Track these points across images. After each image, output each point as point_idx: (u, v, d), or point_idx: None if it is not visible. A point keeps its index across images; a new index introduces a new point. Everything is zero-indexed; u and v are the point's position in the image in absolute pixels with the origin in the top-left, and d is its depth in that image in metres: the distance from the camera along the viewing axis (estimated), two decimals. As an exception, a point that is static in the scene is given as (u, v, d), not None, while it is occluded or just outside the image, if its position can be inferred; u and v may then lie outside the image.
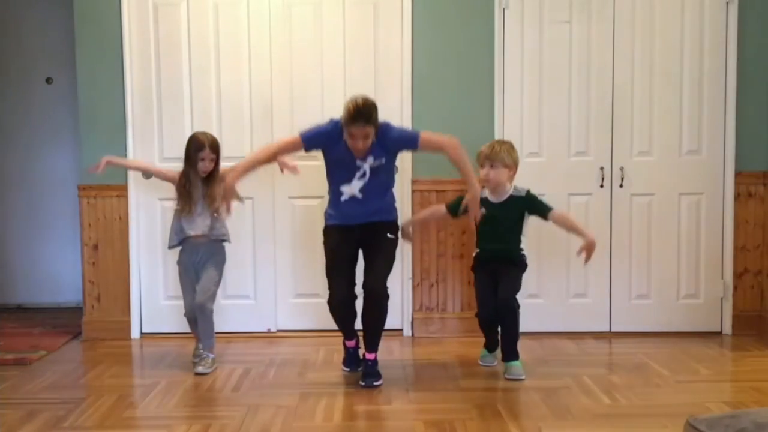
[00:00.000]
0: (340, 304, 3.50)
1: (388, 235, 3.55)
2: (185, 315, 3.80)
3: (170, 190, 4.04)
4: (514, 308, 3.60)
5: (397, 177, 3.71)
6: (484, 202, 3.62)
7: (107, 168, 3.87)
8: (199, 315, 3.71)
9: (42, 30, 5.25)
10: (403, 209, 4.02)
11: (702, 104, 4.32)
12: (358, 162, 3.42)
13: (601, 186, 4.33)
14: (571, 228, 3.70)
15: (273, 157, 3.55)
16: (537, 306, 4.30)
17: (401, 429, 2.95)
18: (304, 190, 4.32)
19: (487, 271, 3.73)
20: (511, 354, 3.62)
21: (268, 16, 4.32)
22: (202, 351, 3.75)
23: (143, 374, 3.76)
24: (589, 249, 3.56)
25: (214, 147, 3.71)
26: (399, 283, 4.27)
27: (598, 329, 4.39)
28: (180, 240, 3.76)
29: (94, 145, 4.33)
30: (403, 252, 4.17)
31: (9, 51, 5.29)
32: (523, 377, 3.55)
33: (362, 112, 3.27)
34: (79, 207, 4.39)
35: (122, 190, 4.33)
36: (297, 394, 3.33)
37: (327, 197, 3.63)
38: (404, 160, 4.29)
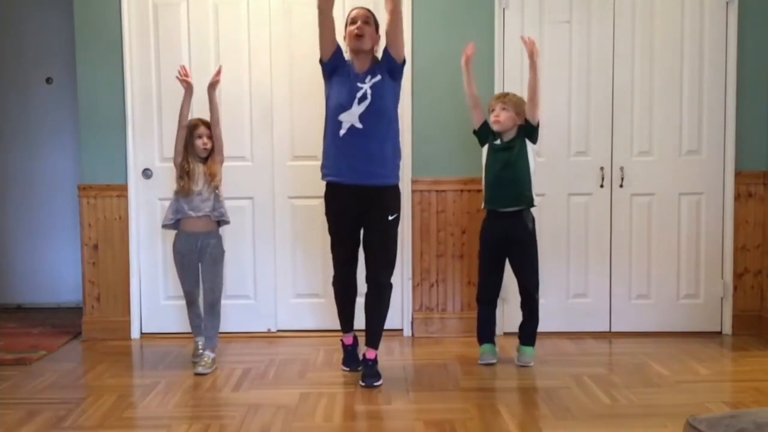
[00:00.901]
0: (344, 286, 3.62)
1: (389, 218, 3.49)
2: (185, 296, 3.83)
3: (170, 190, 4.05)
4: (537, 300, 3.78)
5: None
6: (497, 136, 3.76)
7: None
8: (208, 313, 3.74)
9: (42, 30, 5.25)
10: (404, 209, 4.01)
11: (702, 104, 4.32)
12: (359, 84, 3.41)
13: (601, 186, 4.33)
14: (530, 83, 3.69)
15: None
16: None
17: (401, 429, 2.95)
18: (304, 190, 4.32)
19: (494, 248, 3.78)
20: (529, 338, 3.79)
21: (268, 16, 4.32)
22: (202, 351, 3.76)
23: (143, 374, 3.76)
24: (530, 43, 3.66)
25: (207, 123, 3.81)
26: (399, 283, 4.26)
27: (598, 329, 4.39)
28: (176, 220, 3.76)
29: (94, 145, 4.33)
30: (403, 252, 4.17)
31: (9, 51, 5.29)
32: (531, 364, 3.71)
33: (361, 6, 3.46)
34: (79, 207, 4.39)
35: (122, 190, 4.33)
36: (297, 394, 3.33)
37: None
38: (404, 158, 4.29)
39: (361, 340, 3.65)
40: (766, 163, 4.33)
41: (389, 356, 3.91)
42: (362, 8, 3.55)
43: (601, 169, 4.33)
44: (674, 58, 4.30)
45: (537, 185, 4.05)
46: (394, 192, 3.55)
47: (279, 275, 4.42)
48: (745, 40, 4.27)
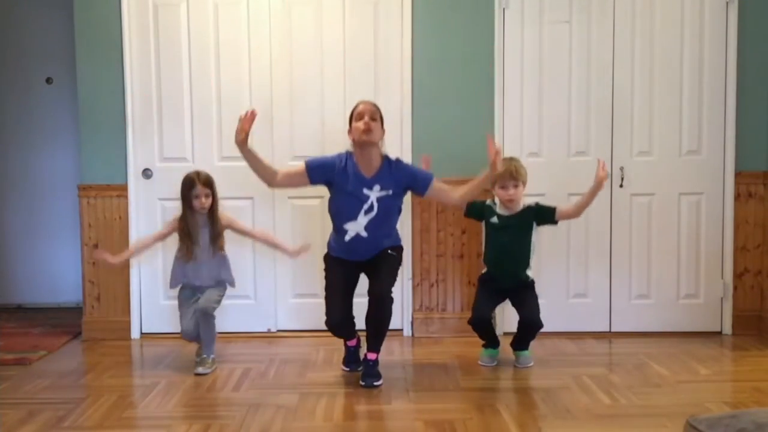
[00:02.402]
0: (338, 325, 3.53)
1: (389, 252, 3.56)
2: (182, 335, 3.80)
3: (170, 190, 4.05)
4: (538, 327, 3.71)
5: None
6: (495, 212, 3.75)
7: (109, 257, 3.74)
8: (202, 322, 3.71)
9: (42, 30, 5.25)
10: (404, 209, 4.00)
11: (702, 104, 4.32)
12: (366, 191, 3.41)
13: (601, 186, 4.33)
14: (583, 203, 3.70)
15: (274, 176, 3.49)
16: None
17: (401, 429, 2.95)
18: (304, 190, 4.29)
19: (494, 287, 3.78)
20: (523, 345, 3.79)
21: (268, 16, 4.32)
22: (203, 353, 3.76)
23: (143, 374, 3.76)
24: (601, 176, 3.61)
25: (207, 182, 3.69)
26: (399, 283, 4.24)
27: (598, 329, 4.39)
28: (182, 284, 3.77)
29: (94, 145, 4.33)
30: (404, 252, 4.16)
31: (9, 51, 5.29)
32: (531, 364, 3.74)
33: (368, 101, 3.45)
34: (79, 207, 4.39)
35: (122, 190, 4.33)
36: (297, 394, 3.33)
37: (326, 199, 3.63)
38: (404, 158, 4.29)
39: (362, 341, 3.65)
40: (766, 163, 4.33)
41: (389, 356, 3.91)
42: (368, 103, 3.48)
43: (601, 169, 4.33)
44: (674, 58, 4.30)
45: (537, 185, 4.06)
46: (396, 246, 3.63)
47: (279, 275, 4.42)
48: (745, 40, 4.27)
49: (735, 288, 4.37)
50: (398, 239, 3.67)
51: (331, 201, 3.56)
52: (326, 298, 3.53)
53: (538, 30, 4.28)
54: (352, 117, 3.48)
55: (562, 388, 3.39)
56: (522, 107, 4.31)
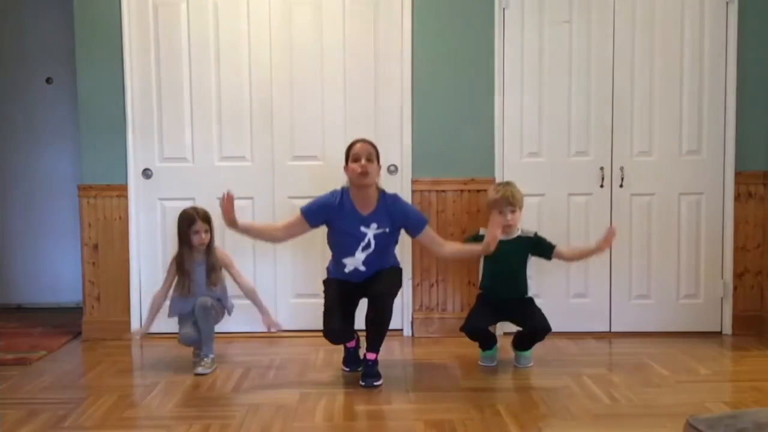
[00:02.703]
0: (336, 336, 3.52)
1: (388, 268, 3.58)
2: (181, 339, 3.80)
3: (170, 190, 4.06)
4: (548, 331, 3.70)
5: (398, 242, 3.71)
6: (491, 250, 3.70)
7: None
8: (201, 316, 3.71)
9: (42, 30, 5.25)
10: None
11: (702, 104, 4.32)
12: (363, 228, 3.43)
13: (601, 186, 4.33)
14: (581, 253, 3.77)
15: (275, 234, 3.57)
16: (538, 306, 4.30)
17: (401, 429, 2.95)
18: (304, 190, 4.31)
19: (493, 304, 3.78)
20: (525, 346, 3.77)
21: (268, 16, 4.32)
22: (202, 351, 3.75)
23: (143, 374, 3.76)
24: (609, 237, 3.65)
25: (206, 218, 3.71)
26: (399, 283, 4.26)
27: (598, 329, 4.39)
28: (180, 313, 3.79)
29: (94, 145, 4.33)
30: (403, 252, 4.17)
31: (9, 51, 5.29)
32: (531, 365, 3.75)
33: (365, 140, 3.46)
34: (79, 207, 4.39)
35: (122, 190, 4.33)
36: (297, 394, 3.33)
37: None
38: (404, 160, 4.30)
39: (362, 341, 3.65)
40: (766, 163, 4.33)
41: (389, 356, 3.91)
42: (365, 144, 3.47)
43: (601, 169, 4.33)
44: (674, 58, 4.30)
45: (537, 185, 4.07)
46: (395, 265, 3.66)
47: (279, 275, 4.42)
48: (745, 40, 4.27)
49: (735, 288, 4.37)
50: (397, 263, 3.69)
51: (328, 235, 3.59)
52: (324, 312, 3.51)
53: (538, 30, 4.28)
54: (349, 155, 3.46)
55: (562, 388, 3.39)
56: (522, 107, 4.31)
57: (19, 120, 5.32)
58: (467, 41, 4.29)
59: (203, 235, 3.68)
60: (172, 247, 3.86)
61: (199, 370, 3.65)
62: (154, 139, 4.36)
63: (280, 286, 4.43)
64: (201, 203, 4.23)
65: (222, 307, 3.83)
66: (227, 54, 4.32)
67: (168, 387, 3.46)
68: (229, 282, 3.87)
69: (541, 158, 4.33)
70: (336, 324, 3.47)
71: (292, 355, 4.00)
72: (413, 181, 4.31)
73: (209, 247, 3.73)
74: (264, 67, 4.33)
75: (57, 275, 5.34)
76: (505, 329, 4.28)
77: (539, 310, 3.74)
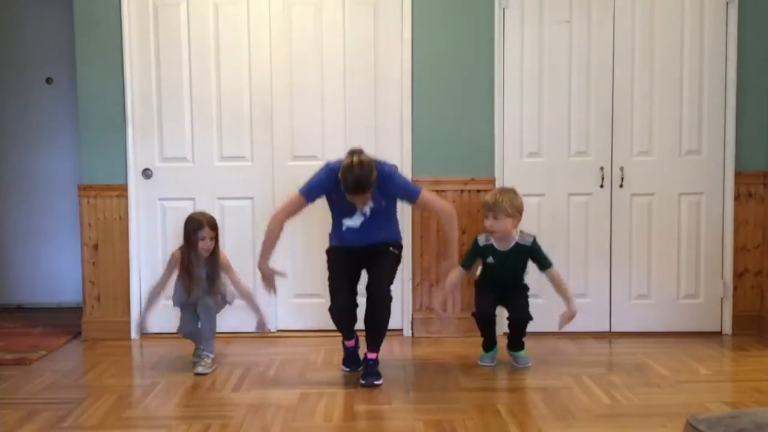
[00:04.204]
0: (341, 312, 3.54)
1: (391, 249, 3.60)
2: (179, 332, 3.80)
3: (170, 190, 4.05)
4: (528, 321, 3.75)
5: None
6: (490, 249, 3.72)
7: None
8: (203, 315, 3.71)
9: (42, 30, 5.25)
10: (404, 210, 4.01)
11: (702, 104, 4.32)
12: (359, 206, 3.49)
13: (601, 186, 4.33)
14: (561, 291, 3.76)
15: (283, 224, 3.55)
16: (537, 306, 4.26)
17: (401, 429, 2.95)
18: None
19: (493, 289, 3.80)
20: (518, 345, 3.79)
21: (268, 16, 4.31)
22: (202, 351, 3.76)
23: (143, 374, 3.76)
24: (569, 318, 3.68)
25: (213, 224, 3.69)
26: (399, 283, 4.25)
27: (598, 329, 4.39)
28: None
29: (94, 145, 4.33)
30: (403, 252, 4.16)
31: (9, 51, 5.29)
32: (530, 364, 3.74)
33: (359, 182, 3.32)
34: (79, 207, 4.39)
35: (122, 190, 4.33)
36: (297, 394, 3.33)
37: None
38: (404, 158, 4.29)
39: (362, 340, 3.65)
40: (766, 163, 4.32)
41: (389, 356, 3.90)
42: (358, 194, 3.37)
43: (601, 169, 4.33)
44: (674, 58, 4.30)
45: (537, 185, 4.08)
46: (396, 243, 3.66)
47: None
48: (745, 40, 4.27)
49: (735, 288, 4.37)
50: (398, 234, 3.70)
51: (328, 201, 3.62)
52: (330, 287, 3.57)
53: (538, 30, 4.28)
54: (343, 190, 3.38)
55: (562, 388, 3.39)
56: (522, 107, 4.31)
57: (19, 120, 5.31)
58: (467, 41, 4.29)
59: (209, 242, 3.66)
60: (172, 247, 3.86)
61: (199, 370, 3.65)
62: (154, 139, 4.36)
63: (280, 286, 4.40)
64: (201, 203, 4.26)
65: (223, 301, 3.82)
66: (227, 54, 4.32)
67: (168, 387, 3.46)
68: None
69: (541, 158, 4.33)
70: (341, 303, 3.51)
71: (292, 355, 4.00)
72: (413, 182, 4.31)
73: (213, 253, 3.71)
74: (264, 67, 4.33)
75: (57, 275, 5.33)
76: (505, 329, 4.28)
77: (525, 299, 3.78)
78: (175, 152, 4.37)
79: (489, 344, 3.83)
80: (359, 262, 3.60)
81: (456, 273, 3.79)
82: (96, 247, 4.37)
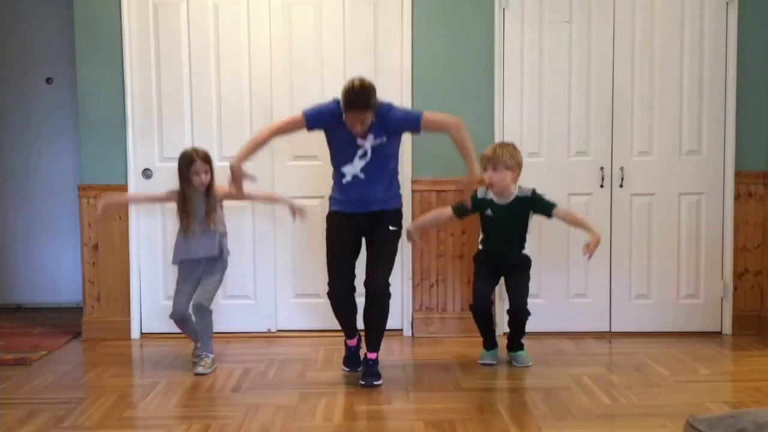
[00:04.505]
0: (339, 297, 3.52)
1: (390, 227, 3.53)
2: (171, 317, 3.79)
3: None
4: (526, 314, 3.74)
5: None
6: (488, 202, 3.70)
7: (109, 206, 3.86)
8: (197, 316, 3.71)
9: (42, 30, 5.25)
10: (404, 208, 4.00)
11: (702, 104, 4.32)
12: (359, 141, 3.41)
13: (601, 186, 4.33)
14: (576, 223, 3.76)
15: (273, 135, 3.47)
16: (537, 306, 4.27)
17: (401, 429, 2.95)
18: (304, 190, 4.32)
19: (490, 267, 3.80)
20: (518, 345, 3.80)
21: (268, 16, 4.31)
22: (201, 351, 3.76)
23: (143, 374, 3.76)
24: (595, 245, 3.62)
25: (206, 158, 3.67)
26: (399, 283, 4.26)
27: (598, 329, 4.39)
28: (183, 259, 3.76)
29: (94, 145, 4.33)
30: (403, 252, 4.17)
31: (9, 51, 5.29)
32: (530, 364, 3.73)
33: (358, 98, 3.27)
34: (79, 207, 4.39)
35: (122, 190, 4.32)
36: (297, 394, 3.33)
37: (327, 199, 3.64)
38: (404, 159, 4.29)
39: (362, 340, 3.66)
40: (766, 163, 4.33)
41: (389, 356, 3.91)
42: (357, 110, 3.30)
43: (601, 169, 4.33)
44: (674, 58, 4.30)
45: (537, 185, 4.05)
46: (397, 212, 3.61)
47: (279, 275, 4.42)
48: (745, 40, 4.27)
49: (735, 288, 4.37)
50: (399, 198, 3.62)
51: (328, 145, 3.55)
52: (328, 264, 3.53)
53: (538, 30, 4.28)
54: (343, 110, 3.34)
55: (562, 388, 3.39)
56: (522, 107, 4.31)
57: (19, 120, 5.31)
58: (467, 41, 4.29)
59: (203, 177, 3.64)
60: (172, 248, 3.85)
61: (199, 370, 3.65)
62: (154, 139, 4.36)
63: (280, 286, 4.43)
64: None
65: (220, 272, 3.78)
66: (227, 53, 4.32)
67: (168, 387, 3.46)
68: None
69: (541, 158, 4.33)
70: (338, 289, 3.50)
71: (292, 355, 4.00)
72: (413, 181, 4.31)
73: (209, 187, 3.69)
74: (264, 67, 4.33)
75: (57, 275, 5.34)
76: (505, 329, 4.29)
77: (525, 286, 3.76)
78: (175, 152, 4.32)
79: (489, 343, 3.83)
80: (358, 232, 3.53)
81: (443, 211, 3.82)
82: (96, 247, 4.37)
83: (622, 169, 4.33)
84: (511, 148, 3.69)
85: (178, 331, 4.13)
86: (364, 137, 3.40)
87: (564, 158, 4.34)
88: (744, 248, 4.36)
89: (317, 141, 4.31)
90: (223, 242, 3.77)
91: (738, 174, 4.32)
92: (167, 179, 4.29)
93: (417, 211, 4.32)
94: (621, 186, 4.33)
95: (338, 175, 3.52)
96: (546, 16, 4.29)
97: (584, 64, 4.30)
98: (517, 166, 3.66)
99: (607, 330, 4.40)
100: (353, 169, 3.45)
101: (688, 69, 4.30)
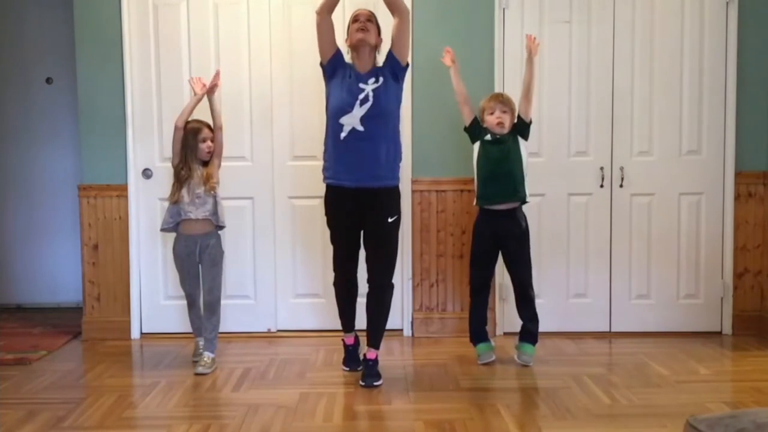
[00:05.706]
0: (343, 285, 3.63)
1: (389, 219, 3.50)
2: (186, 298, 3.83)
3: (170, 189, 4.03)
4: (533, 297, 3.78)
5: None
6: (487, 130, 3.78)
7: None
8: (209, 313, 3.74)
9: (42, 30, 5.25)
10: (404, 208, 4.00)
11: (702, 104, 4.32)
12: (361, 85, 3.43)
13: (601, 186, 4.33)
14: (528, 78, 3.80)
15: (331, 8, 3.55)
16: (537, 306, 4.27)
17: (401, 429, 2.95)
18: (304, 190, 4.32)
19: (488, 243, 3.78)
20: (531, 336, 3.79)
21: (268, 16, 4.32)
22: (202, 351, 3.76)
23: (143, 374, 3.76)
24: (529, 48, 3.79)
25: (210, 126, 3.79)
26: (399, 283, 4.25)
27: (598, 329, 4.39)
28: (176, 223, 3.76)
29: (94, 145, 4.33)
30: (403, 252, 4.17)
31: (9, 51, 5.29)
32: (531, 363, 3.71)
33: (366, 11, 3.55)
34: (79, 207, 4.39)
35: (122, 190, 4.33)
36: (297, 394, 3.33)
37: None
38: (404, 158, 4.29)
39: (362, 340, 3.66)
40: (766, 163, 4.33)
41: (389, 356, 3.91)
42: (364, 10, 3.60)
43: (601, 169, 4.33)
44: (674, 58, 4.30)
45: (537, 185, 4.07)
46: (394, 194, 3.56)
47: (279, 275, 4.42)
48: (745, 40, 4.27)
49: (735, 288, 4.37)
50: (396, 169, 3.57)
51: (327, 98, 3.54)
52: (334, 252, 3.62)
53: (538, 30, 4.27)
54: (351, 19, 3.56)
55: (562, 388, 3.39)
56: (522, 107, 4.31)
57: (19, 120, 5.31)
58: (467, 41, 4.29)
59: (210, 143, 3.75)
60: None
61: (199, 369, 3.65)
62: (154, 139, 4.36)
63: (280, 286, 4.43)
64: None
65: (218, 258, 3.79)
66: (227, 53, 4.32)
67: (168, 387, 3.46)
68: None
69: (541, 158, 4.33)
70: (342, 283, 3.62)
71: (292, 355, 4.00)
72: (413, 181, 4.31)
73: (210, 157, 3.78)
74: (264, 66, 4.33)
75: (57, 275, 5.34)
76: (506, 329, 4.29)
77: (528, 259, 3.77)
78: (175, 152, 4.36)
79: (477, 335, 3.83)
80: (357, 216, 3.49)
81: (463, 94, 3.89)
82: (96, 247, 4.37)
83: (622, 169, 4.33)
84: (511, 97, 3.84)
85: (178, 331, 4.14)
86: (366, 79, 3.44)
87: (564, 158, 4.34)
88: (744, 248, 4.36)
89: (317, 141, 4.33)
90: (219, 207, 3.78)
91: (738, 174, 4.32)
92: (167, 179, 4.30)
93: (417, 211, 4.33)
94: (621, 186, 4.33)
95: (335, 130, 3.44)
96: (546, 16, 4.29)
97: (584, 64, 4.30)
98: (516, 112, 3.82)
99: (607, 330, 4.40)
100: (352, 119, 3.41)
101: (688, 69, 4.30)
